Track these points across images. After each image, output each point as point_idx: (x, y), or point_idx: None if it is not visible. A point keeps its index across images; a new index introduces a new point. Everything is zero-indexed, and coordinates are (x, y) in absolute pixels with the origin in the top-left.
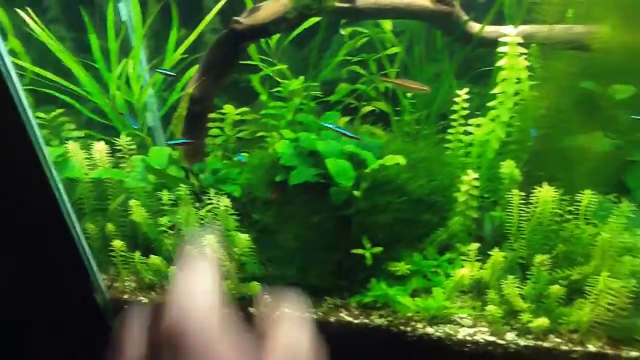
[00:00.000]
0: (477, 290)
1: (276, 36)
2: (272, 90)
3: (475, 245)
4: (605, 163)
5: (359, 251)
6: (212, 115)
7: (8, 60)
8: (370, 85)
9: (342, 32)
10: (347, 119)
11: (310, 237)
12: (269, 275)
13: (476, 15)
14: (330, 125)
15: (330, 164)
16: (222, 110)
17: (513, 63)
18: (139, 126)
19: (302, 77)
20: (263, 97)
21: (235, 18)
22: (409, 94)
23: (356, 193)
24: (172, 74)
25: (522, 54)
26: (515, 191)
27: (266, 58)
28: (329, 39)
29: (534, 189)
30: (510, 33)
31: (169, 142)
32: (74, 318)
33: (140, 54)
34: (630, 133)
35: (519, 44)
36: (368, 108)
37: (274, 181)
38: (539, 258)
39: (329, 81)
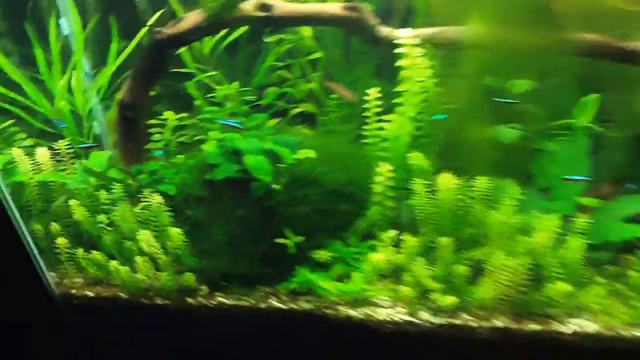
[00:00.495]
0: (396, 274)
1: (210, 44)
2: (208, 96)
3: (392, 233)
4: (511, 152)
5: (282, 241)
6: (153, 121)
7: None
8: (296, 88)
9: (267, 39)
10: (276, 120)
11: (238, 229)
12: (203, 267)
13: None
14: (222, 121)
15: (248, 160)
16: (162, 117)
17: (413, 62)
18: (81, 131)
19: (235, 83)
20: (198, 102)
21: (157, 29)
22: (333, 95)
23: (275, 187)
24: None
25: (423, 54)
26: (419, 180)
27: (204, 67)
28: (261, 46)
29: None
30: (406, 35)
31: (79, 146)
32: (25, 315)
33: (82, 65)
34: (534, 124)
35: (420, 45)
36: (296, 110)
37: (204, 179)
38: (443, 241)
39: (263, 85)
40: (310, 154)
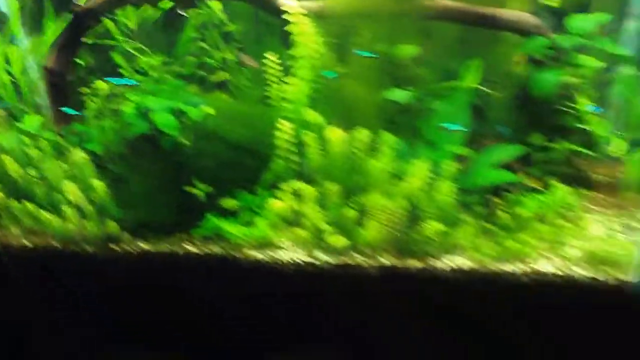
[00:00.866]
0: (298, 220)
1: (135, 20)
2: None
3: (294, 183)
4: (404, 111)
5: (193, 190)
6: (87, 90)
7: None
8: (213, 58)
9: (183, 12)
10: (196, 86)
11: (154, 181)
12: (125, 217)
13: None
14: (115, 80)
15: (157, 117)
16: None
17: (305, 30)
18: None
19: (159, 54)
20: (125, 71)
21: (75, 2)
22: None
23: (184, 141)
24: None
25: (312, 23)
26: (309, 133)
27: (133, 41)
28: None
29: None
30: (294, 6)
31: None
32: None
33: (19, 38)
34: (424, 86)
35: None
36: (214, 78)
37: (124, 138)
38: (332, 187)
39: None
40: (211, 111)
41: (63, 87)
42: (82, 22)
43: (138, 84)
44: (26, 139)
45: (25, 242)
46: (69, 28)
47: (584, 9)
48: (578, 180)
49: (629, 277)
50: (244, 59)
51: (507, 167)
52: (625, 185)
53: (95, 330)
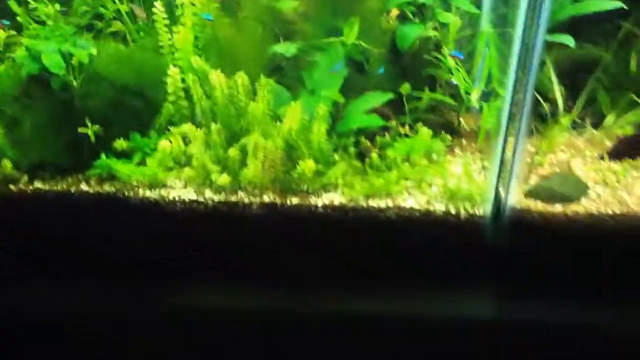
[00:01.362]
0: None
1: None
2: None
3: (184, 127)
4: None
5: (83, 130)
6: None
7: None
8: (107, 10)
9: None
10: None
11: (45, 122)
12: (19, 157)
13: None
14: None
15: (44, 58)
16: None
17: None
18: None
19: (56, 4)
20: (21, 18)
21: None
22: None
23: (72, 81)
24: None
25: None
26: (193, 78)
27: None
28: None
29: None
30: None
31: None
32: None
33: None
34: (309, 39)
35: None
36: (110, 29)
37: (18, 80)
38: (214, 128)
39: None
40: (95, 52)
41: None
42: None
43: (8, 22)
44: None
45: None
46: None
47: None
48: (444, 127)
49: (480, 210)
50: (136, 10)
51: (380, 113)
52: (484, 132)
53: None
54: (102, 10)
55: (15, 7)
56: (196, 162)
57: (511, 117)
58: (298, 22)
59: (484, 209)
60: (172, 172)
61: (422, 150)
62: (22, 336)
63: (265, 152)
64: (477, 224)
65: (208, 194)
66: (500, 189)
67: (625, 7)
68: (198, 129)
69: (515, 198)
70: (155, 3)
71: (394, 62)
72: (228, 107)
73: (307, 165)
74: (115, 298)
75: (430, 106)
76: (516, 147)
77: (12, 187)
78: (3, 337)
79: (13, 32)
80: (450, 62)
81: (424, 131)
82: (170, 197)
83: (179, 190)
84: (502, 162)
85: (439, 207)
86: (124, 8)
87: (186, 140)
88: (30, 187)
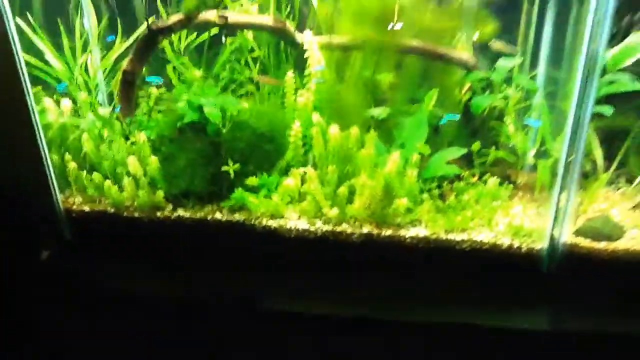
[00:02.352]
0: (303, 197)
1: (184, 44)
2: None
3: (303, 168)
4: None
5: (226, 168)
6: (142, 92)
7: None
8: (243, 76)
9: (224, 39)
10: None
11: (195, 159)
12: (170, 187)
13: None
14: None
15: (207, 110)
16: (148, 91)
17: (312, 56)
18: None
19: (201, 69)
20: (174, 80)
21: (153, 21)
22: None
23: (223, 129)
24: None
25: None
26: (316, 130)
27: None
28: (220, 48)
29: None
30: (309, 39)
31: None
32: (38, 224)
33: (96, 52)
34: (397, 106)
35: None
36: (243, 90)
37: (175, 126)
38: (330, 169)
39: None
40: (242, 106)
41: (132, 85)
42: (155, 36)
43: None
44: (98, 124)
45: (85, 208)
46: (144, 40)
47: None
48: (505, 180)
49: (538, 244)
50: (264, 79)
51: (457, 164)
52: (539, 185)
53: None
54: (237, 76)
55: (170, 71)
56: (311, 197)
57: (565, 171)
58: (389, 91)
59: (542, 244)
60: (290, 205)
61: (490, 195)
62: None
63: (370, 191)
64: (536, 255)
65: (318, 224)
66: (555, 229)
67: None
68: (313, 169)
69: (566, 236)
70: (287, 72)
71: (465, 125)
72: (339, 153)
73: (401, 203)
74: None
75: (494, 162)
76: (569, 196)
77: (159, 213)
78: None
79: (163, 90)
80: (510, 127)
81: (492, 180)
82: (287, 227)
83: (295, 220)
84: (557, 207)
85: (505, 241)
86: (254, 74)
87: (304, 178)
88: (174, 214)
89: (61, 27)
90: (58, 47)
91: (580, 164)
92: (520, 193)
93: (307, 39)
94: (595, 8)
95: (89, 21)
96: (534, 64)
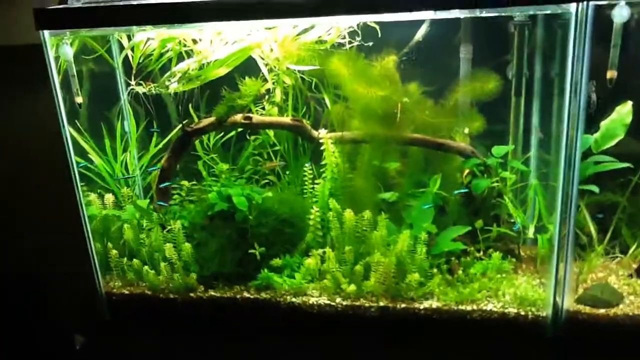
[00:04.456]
0: (323, 276)
1: (213, 141)
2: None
3: (321, 249)
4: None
5: (253, 250)
6: (175, 185)
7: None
8: (263, 167)
9: (248, 137)
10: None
11: (225, 243)
12: (202, 270)
13: None
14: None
15: (235, 199)
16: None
17: (330, 150)
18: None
19: (227, 164)
20: (204, 174)
21: (188, 124)
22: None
23: (250, 216)
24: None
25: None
26: (331, 214)
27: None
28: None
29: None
30: (324, 135)
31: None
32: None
33: (134, 151)
34: (405, 189)
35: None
36: (265, 181)
37: (206, 214)
38: (347, 249)
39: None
40: (269, 194)
41: (170, 181)
42: (189, 137)
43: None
44: (138, 214)
45: (124, 291)
46: (179, 140)
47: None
48: (508, 254)
49: (542, 313)
50: (267, 165)
51: (462, 240)
52: (540, 257)
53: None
54: (260, 168)
55: (201, 166)
56: (330, 275)
57: (560, 245)
58: (397, 177)
59: (545, 312)
60: (311, 284)
61: (495, 268)
62: None
63: (384, 267)
64: (541, 322)
65: (338, 299)
66: (557, 297)
67: (632, 166)
68: (332, 250)
69: (568, 304)
70: (305, 164)
71: (468, 205)
72: (354, 235)
73: (414, 277)
74: None
75: (497, 237)
76: (566, 266)
77: (192, 294)
78: None
79: (195, 182)
80: (510, 205)
81: (496, 255)
82: (310, 302)
83: (316, 297)
84: (556, 277)
85: (511, 310)
86: (277, 168)
87: (323, 258)
88: (206, 295)
89: (104, 130)
90: (101, 149)
91: (572, 236)
92: (523, 265)
93: (322, 135)
94: (569, 103)
95: (128, 124)
96: (526, 149)
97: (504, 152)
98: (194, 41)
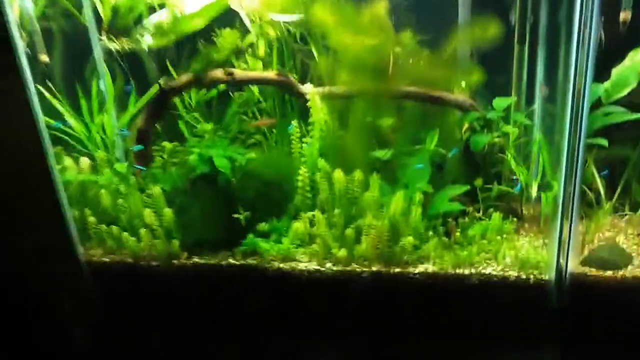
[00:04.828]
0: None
1: (195, 98)
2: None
3: (310, 212)
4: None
5: (237, 216)
6: (157, 147)
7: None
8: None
9: (231, 94)
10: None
11: (208, 208)
12: (185, 236)
13: None
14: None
15: (217, 161)
16: (163, 145)
17: (315, 105)
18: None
19: (211, 123)
20: (187, 134)
21: (164, 81)
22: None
23: (232, 179)
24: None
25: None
26: (319, 175)
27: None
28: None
29: None
30: (310, 89)
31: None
32: (61, 273)
33: (111, 111)
34: (399, 146)
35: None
36: (252, 140)
37: (188, 177)
38: (337, 211)
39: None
40: (253, 155)
41: (147, 141)
42: (166, 95)
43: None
44: (115, 180)
45: (105, 259)
46: (156, 99)
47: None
48: (510, 213)
49: (545, 276)
50: (257, 122)
51: (460, 200)
52: (543, 216)
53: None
54: (246, 127)
55: (182, 125)
56: (320, 240)
57: (565, 204)
58: (391, 134)
59: (549, 276)
60: (300, 248)
61: (495, 229)
62: None
63: (376, 231)
64: (544, 287)
65: (328, 265)
66: (561, 260)
67: None
68: (322, 213)
69: (573, 266)
70: (292, 122)
71: (468, 161)
72: (345, 197)
73: (408, 241)
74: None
75: (498, 196)
76: (571, 225)
77: (175, 261)
78: None
79: (177, 143)
80: (512, 162)
81: (496, 215)
82: (299, 268)
83: (305, 263)
84: (560, 238)
85: (512, 273)
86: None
87: (312, 222)
88: (190, 262)
89: (79, 90)
90: (77, 109)
91: (579, 193)
92: (526, 225)
93: (307, 90)
94: (578, 44)
95: (104, 83)
96: (530, 101)
97: (506, 105)
98: None
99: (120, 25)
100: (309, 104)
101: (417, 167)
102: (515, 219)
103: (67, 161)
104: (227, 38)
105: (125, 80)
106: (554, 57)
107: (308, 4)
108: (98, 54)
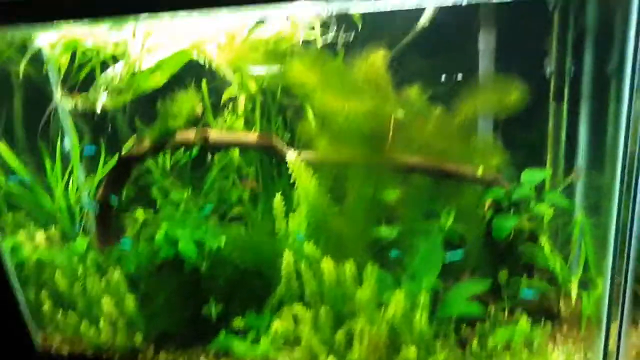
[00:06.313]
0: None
1: (169, 163)
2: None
3: (296, 307)
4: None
5: (207, 310)
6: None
7: None
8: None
9: (211, 155)
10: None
11: (175, 299)
12: (149, 328)
13: None
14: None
15: (181, 245)
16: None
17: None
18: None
19: (186, 190)
20: (159, 201)
21: (123, 152)
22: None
23: (201, 266)
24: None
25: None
26: (305, 264)
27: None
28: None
29: None
30: (293, 156)
31: None
32: None
33: (78, 173)
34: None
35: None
36: (230, 212)
37: (154, 261)
38: (322, 310)
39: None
40: (223, 243)
41: (109, 213)
42: (127, 163)
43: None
44: (75, 258)
45: (63, 352)
46: (116, 167)
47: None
48: (544, 312)
49: None
50: (247, 184)
51: (480, 299)
52: (585, 321)
53: None
54: (226, 196)
55: (155, 192)
56: (305, 343)
57: (612, 304)
58: (399, 207)
59: None
60: (282, 351)
61: (522, 338)
62: None
63: (370, 337)
64: None
65: None
66: None
67: None
68: (308, 309)
69: None
70: (277, 194)
71: (491, 247)
72: (335, 291)
73: (410, 353)
74: None
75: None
76: (620, 332)
77: (140, 356)
78: None
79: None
80: (547, 250)
81: (523, 320)
82: None
83: None
84: (606, 349)
85: None
86: (245, 195)
87: (297, 319)
88: (156, 357)
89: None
90: (40, 169)
91: (630, 291)
92: (563, 329)
93: (291, 159)
94: (629, 104)
95: (70, 141)
96: (568, 171)
97: (539, 179)
98: (117, 45)
99: (74, 81)
100: (293, 174)
101: (427, 253)
102: (549, 325)
103: (22, 235)
104: (184, 103)
105: (92, 140)
106: (601, 116)
107: (288, 56)
108: (61, 111)
